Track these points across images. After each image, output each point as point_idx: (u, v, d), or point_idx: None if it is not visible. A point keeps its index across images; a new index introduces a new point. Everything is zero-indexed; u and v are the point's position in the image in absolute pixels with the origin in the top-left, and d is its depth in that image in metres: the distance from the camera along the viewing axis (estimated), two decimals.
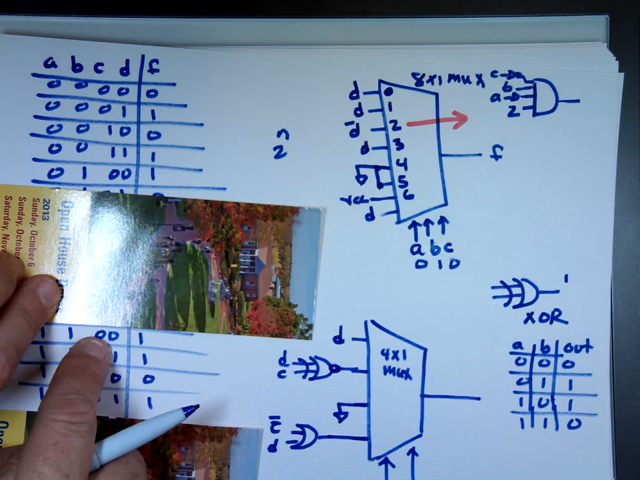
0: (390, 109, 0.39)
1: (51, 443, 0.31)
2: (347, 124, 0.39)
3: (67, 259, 0.38)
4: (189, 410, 0.34)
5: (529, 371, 0.39)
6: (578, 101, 0.39)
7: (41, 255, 0.38)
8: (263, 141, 0.39)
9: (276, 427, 0.39)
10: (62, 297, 0.38)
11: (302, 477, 0.39)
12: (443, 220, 0.39)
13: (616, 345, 0.39)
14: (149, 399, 0.39)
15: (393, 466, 0.39)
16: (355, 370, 0.39)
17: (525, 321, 0.39)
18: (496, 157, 0.39)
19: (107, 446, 0.34)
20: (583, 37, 0.39)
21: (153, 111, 0.39)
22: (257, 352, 0.39)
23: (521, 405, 0.39)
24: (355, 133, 0.39)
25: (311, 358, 0.39)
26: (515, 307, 0.39)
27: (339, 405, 0.39)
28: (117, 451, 0.34)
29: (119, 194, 0.39)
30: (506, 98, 0.39)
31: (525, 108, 0.39)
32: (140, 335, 0.39)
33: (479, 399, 0.39)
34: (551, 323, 0.39)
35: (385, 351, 0.39)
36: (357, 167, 0.39)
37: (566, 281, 0.39)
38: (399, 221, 0.39)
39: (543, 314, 0.39)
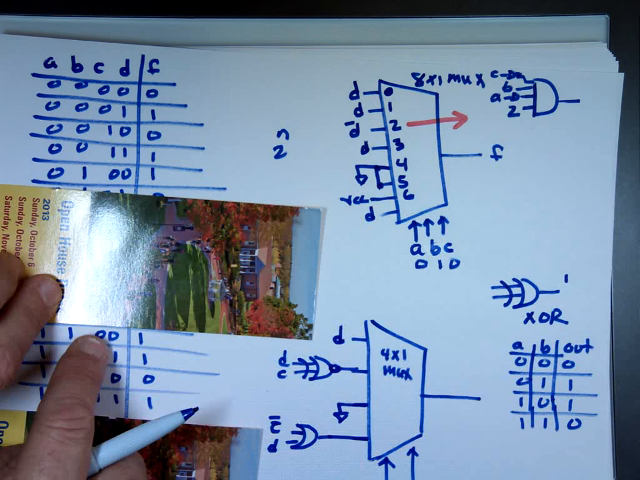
0: (390, 109, 0.39)
1: (47, 452, 0.31)
2: (347, 124, 0.39)
3: (67, 259, 0.38)
4: (187, 413, 0.34)
5: (529, 371, 0.39)
6: (578, 101, 0.39)
7: (41, 255, 0.38)
8: (263, 141, 0.39)
9: (276, 427, 0.39)
10: (62, 296, 0.38)
11: (302, 477, 0.39)
12: (443, 220, 0.39)
13: (616, 344, 0.39)
14: (149, 399, 0.39)
15: (393, 466, 0.39)
16: (355, 370, 0.39)
17: (525, 321, 0.39)
18: (496, 157, 0.39)
19: (105, 450, 0.33)
20: (583, 37, 0.39)
21: (153, 111, 0.39)
22: (257, 352, 0.39)
23: (521, 405, 0.39)
24: (355, 132, 0.39)
25: (310, 358, 0.39)
26: (515, 307, 0.39)
27: (339, 405, 0.39)
28: (115, 455, 0.33)
29: (118, 194, 0.39)
30: (506, 98, 0.39)
31: (525, 108, 0.39)
32: (140, 334, 0.39)
33: (479, 399, 0.39)
34: (551, 322, 0.39)
35: (385, 351, 0.39)
36: (357, 166, 0.39)
37: (566, 281, 0.39)
38: (398, 221, 0.39)
39: (543, 314, 0.39)
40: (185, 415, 0.34)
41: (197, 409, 0.35)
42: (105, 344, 0.38)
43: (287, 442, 0.39)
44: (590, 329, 0.39)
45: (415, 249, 0.39)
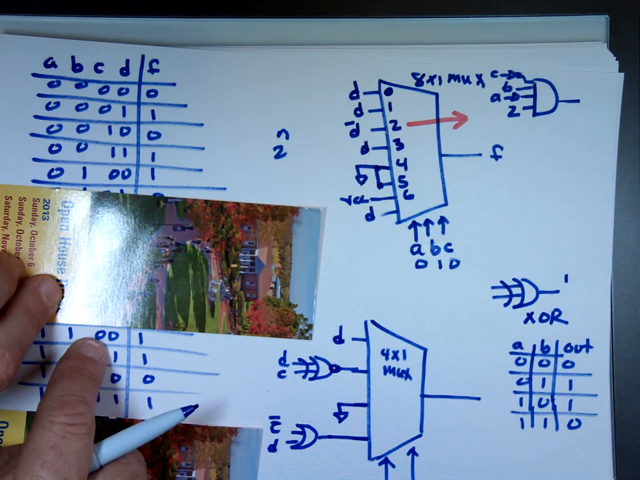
0: (390, 109, 0.39)
1: (49, 446, 0.31)
2: (347, 124, 0.39)
3: (66, 259, 0.38)
4: (187, 410, 0.34)
5: (529, 371, 0.39)
6: (578, 101, 0.39)
7: (41, 255, 0.38)
8: (263, 141, 0.39)
9: (276, 427, 0.39)
10: (62, 296, 0.38)
11: (302, 477, 0.39)
12: (443, 220, 0.39)
13: (616, 344, 0.39)
14: (149, 399, 0.39)
15: (393, 466, 0.39)
16: (355, 370, 0.39)
17: (525, 321, 0.39)
18: (496, 157, 0.39)
19: (106, 446, 0.34)
20: (583, 37, 0.39)
21: (153, 111, 0.39)
22: (256, 352, 0.39)
23: (521, 405, 0.39)
24: (355, 132, 0.39)
25: (311, 358, 0.39)
26: (515, 307, 0.39)
27: (339, 405, 0.39)
28: (117, 452, 0.34)
29: (118, 194, 0.39)
30: (506, 98, 0.39)
31: (525, 108, 0.39)
32: (140, 334, 0.39)
33: (479, 399, 0.39)
34: (551, 323, 0.39)
35: (385, 351, 0.39)
36: (357, 166, 0.39)
37: (566, 281, 0.39)
38: (398, 221, 0.39)
39: (543, 314, 0.39)
40: (185, 412, 0.34)
41: (196, 406, 0.35)
42: (104, 346, 0.38)
43: (287, 442, 0.39)
44: (590, 329, 0.39)
45: (415, 249, 0.39)
